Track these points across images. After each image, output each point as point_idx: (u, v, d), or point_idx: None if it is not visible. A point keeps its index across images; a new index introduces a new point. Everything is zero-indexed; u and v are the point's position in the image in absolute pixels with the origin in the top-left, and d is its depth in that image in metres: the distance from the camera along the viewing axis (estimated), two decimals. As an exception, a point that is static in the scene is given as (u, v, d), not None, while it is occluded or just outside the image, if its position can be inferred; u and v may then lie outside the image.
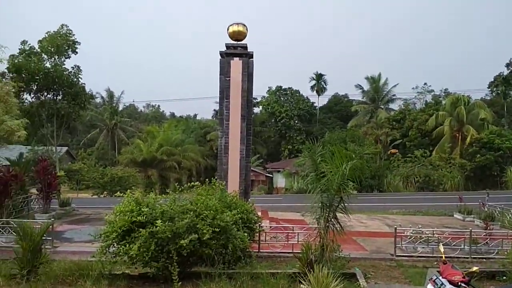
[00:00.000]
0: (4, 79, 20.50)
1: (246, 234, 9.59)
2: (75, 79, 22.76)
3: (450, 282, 4.83)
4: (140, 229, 7.87)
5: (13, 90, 19.25)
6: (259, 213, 12.42)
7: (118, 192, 9.10)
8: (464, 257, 10.57)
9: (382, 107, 58.29)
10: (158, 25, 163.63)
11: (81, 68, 23.12)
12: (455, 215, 18.65)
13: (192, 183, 10.12)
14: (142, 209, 8.13)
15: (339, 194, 8.45)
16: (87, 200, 29.89)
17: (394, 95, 59.34)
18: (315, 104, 66.04)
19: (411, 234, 11.62)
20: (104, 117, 60.41)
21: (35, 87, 22.13)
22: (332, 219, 8.56)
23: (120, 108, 66.38)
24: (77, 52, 22.94)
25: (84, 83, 23.46)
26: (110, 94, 62.40)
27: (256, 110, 61.59)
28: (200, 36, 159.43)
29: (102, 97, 63.55)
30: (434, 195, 32.41)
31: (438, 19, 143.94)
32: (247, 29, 15.38)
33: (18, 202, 16.23)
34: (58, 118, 23.08)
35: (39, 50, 22.06)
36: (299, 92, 63.92)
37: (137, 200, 8.51)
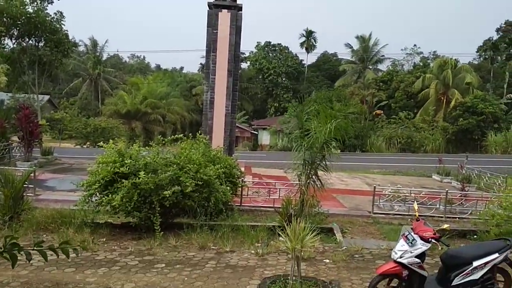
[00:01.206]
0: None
1: (228, 188, 9.75)
2: (58, 26, 22.00)
3: (421, 238, 5.03)
4: (123, 180, 7.91)
5: (-7, 34, 18.60)
6: (243, 169, 12.55)
7: (101, 143, 9.04)
8: (438, 216, 10.93)
9: (370, 67, 58.02)
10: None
11: (64, 14, 22.31)
12: (433, 176, 19.11)
13: (176, 136, 10.10)
14: (125, 161, 8.14)
15: (322, 152, 8.55)
16: (70, 150, 29.66)
17: (383, 55, 58.91)
18: (303, 62, 65.42)
19: (389, 193, 11.96)
20: (88, 66, 58.89)
21: (17, 32, 21.36)
22: (313, 176, 8.71)
23: (104, 58, 64.63)
24: (60, -3, 22.07)
25: (67, 30, 22.74)
26: (94, 43, 60.55)
27: (244, 65, 60.77)
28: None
29: (85, 46, 61.61)
30: (415, 156, 33.04)
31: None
32: (236, -20, 14.88)
33: (-1, 150, 16.09)
34: (40, 65, 22.48)
35: (21, -7, 21.13)
36: (288, 49, 62.98)
37: (120, 151, 8.49)
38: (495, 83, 52.74)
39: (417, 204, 6.67)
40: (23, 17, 20.57)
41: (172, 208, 8.49)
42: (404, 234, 5.22)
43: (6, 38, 21.51)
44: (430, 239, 5.00)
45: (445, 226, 5.31)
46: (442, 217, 10.96)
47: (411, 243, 5.01)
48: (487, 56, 57.28)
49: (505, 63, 54.11)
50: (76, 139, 39.18)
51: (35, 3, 21.36)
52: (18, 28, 21.08)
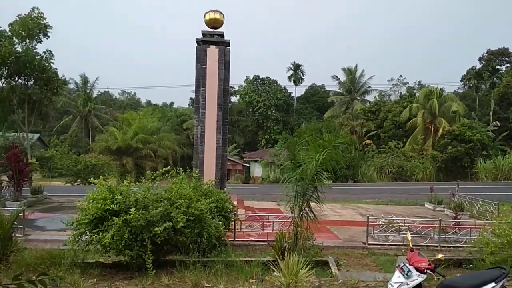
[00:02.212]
0: (-28, 63, 19.80)
1: (221, 222, 9.62)
2: (47, 64, 22.10)
3: (417, 269, 4.98)
4: (114, 217, 7.78)
5: (-18, 74, 18.64)
6: (235, 202, 12.46)
7: (92, 179, 8.95)
8: (433, 246, 10.86)
9: (358, 98, 58.97)
10: (134, 14, 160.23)
11: (53, 53, 22.49)
12: (426, 205, 19.12)
13: (165, 169, 10.02)
14: (116, 197, 8.04)
15: (313, 184, 8.55)
16: (60, 188, 29.33)
17: (369, 86, 60.12)
18: (292, 94, 66.39)
19: (383, 223, 11.90)
20: (78, 104, 59.07)
21: (6, 71, 21.42)
22: (306, 208, 8.66)
23: (95, 95, 65.03)
24: (48, 36, 22.28)
25: (57, 68, 22.83)
26: (84, 80, 60.92)
27: (234, 99, 61.46)
28: (178, 25, 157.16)
29: (76, 83, 61.91)
30: (407, 185, 33.12)
31: (414, 12, 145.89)
32: (224, 17, 15.18)
33: (-13, 190, 15.84)
34: (30, 103, 22.45)
35: (9, 33, 21.32)
36: (277, 82, 64.11)
37: (110, 188, 8.40)
38: (480, 111, 53.75)
39: (411, 233, 6.64)
40: (12, 57, 20.68)
41: (164, 245, 8.34)
42: (399, 265, 5.17)
43: (-5, 77, 21.56)
44: (425, 270, 4.96)
45: (440, 256, 5.28)
46: (437, 246, 10.89)
47: (407, 274, 4.96)
48: (471, 85, 58.68)
49: (489, 91, 55.35)
50: (66, 177, 38.82)
51: (24, 42, 21.54)
52: (7, 68, 21.16)
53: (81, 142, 57.61)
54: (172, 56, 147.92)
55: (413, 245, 5.71)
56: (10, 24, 21.41)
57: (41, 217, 14.65)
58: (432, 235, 11.42)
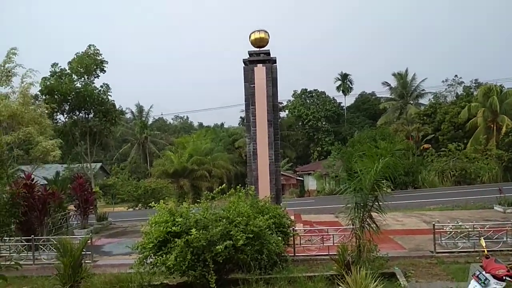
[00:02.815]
0: (37, 102, 21.25)
1: (280, 238, 9.56)
2: (105, 97, 23.35)
3: (495, 277, 4.65)
4: (176, 239, 7.95)
5: (46, 111, 19.95)
6: (292, 217, 12.36)
7: (152, 203, 9.24)
8: (507, 250, 10.21)
9: (412, 102, 57.08)
10: (182, 36, 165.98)
11: (110, 85, 23.74)
12: (495, 208, 18.07)
13: (221, 187, 10.11)
14: (176, 219, 8.21)
15: (373, 193, 8.31)
16: (123, 214, 30.51)
17: (423, 89, 57.97)
18: (342, 104, 65.50)
19: (451, 230, 11.31)
20: (135, 132, 61.79)
21: (67, 107, 22.84)
22: (367, 219, 8.42)
23: (150, 122, 67.74)
24: (105, 71, 23.57)
25: (114, 100, 24.07)
26: (140, 109, 63.83)
27: (283, 114, 61.58)
28: (224, 45, 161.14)
29: (132, 112, 65.10)
30: (472, 188, 31.43)
31: (466, 10, 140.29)
32: (269, 35, 15.43)
33: (57, 219, 16.74)
34: (91, 135, 23.71)
35: (69, 71, 22.78)
36: (325, 94, 63.59)
37: (170, 211, 8.61)
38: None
39: (483, 239, 6.24)
40: (73, 93, 22.04)
41: (226, 263, 8.38)
42: (475, 274, 4.86)
43: (58, 113, 23.02)
44: (504, 277, 4.62)
45: (519, 261, 4.92)
46: (511, 250, 10.20)
47: (484, 283, 4.65)
48: (534, 78, 55.09)
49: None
50: (128, 202, 40.34)
51: (82, 78, 22.90)
52: (68, 103, 22.55)
53: (140, 168, 59.89)
54: (221, 77, 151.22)
55: (487, 251, 5.35)
56: (69, 62, 22.88)
57: (108, 243, 15.25)
58: (505, 239, 10.73)
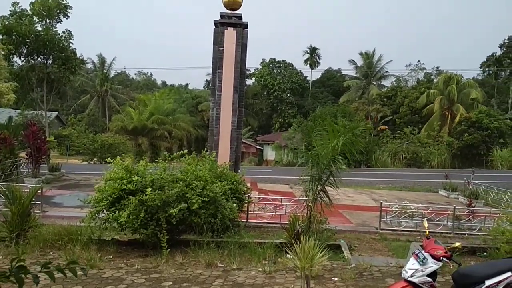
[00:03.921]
0: (-8, 41, 20.07)
1: (235, 204, 9.72)
2: (66, 44, 22.35)
3: (433, 256, 4.96)
4: (130, 197, 7.91)
5: (3, 52, 18.91)
6: (249, 184, 12.52)
7: (109, 159, 9.08)
8: (446, 233, 10.83)
9: (375, 83, 58.20)
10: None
11: (72, 32, 22.69)
12: (440, 192, 18.97)
13: (182, 151, 10.09)
14: (133, 177, 8.15)
15: (329, 168, 8.54)
16: (77, 166, 29.78)
17: (386, 71, 59.18)
18: (308, 78, 65.79)
19: (396, 209, 11.87)
20: (95, 83, 59.64)
21: (26, 50, 21.74)
22: (321, 192, 8.68)
23: (112, 75, 65.33)
24: (68, 17, 22.48)
25: (75, 48, 23.12)
26: (102, 60, 61.31)
27: (249, 82, 61.21)
28: (195, 6, 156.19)
29: (93, 63, 62.54)
30: (421, 171, 32.86)
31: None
32: (242, -2, 15.07)
33: (7, 166, 16.17)
34: (48, 82, 22.79)
35: (30, 12, 21.51)
36: (293, 65, 63.56)
37: (127, 168, 8.52)
38: (499, 98, 52.74)
39: (426, 220, 6.60)
40: (32, 35, 20.93)
41: (179, 225, 8.46)
42: (414, 252, 5.16)
43: (15, 56, 21.87)
44: (441, 258, 4.94)
45: (457, 244, 5.26)
46: (450, 233, 10.86)
47: (422, 261, 4.94)
48: (491, 72, 57.39)
49: (509, 78, 54.23)
50: (83, 155, 39.36)
51: (44, 21, 21.72)
52: (27, 46, 21.44)
53: (98, 121, 58.27)
54: (188, 37, 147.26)
55: (429, 232, 5.68)
56: (31, 3, 21.61)
57: (58, 194, 14.94)
58: (445, 222, 11.37)
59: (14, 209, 8.54)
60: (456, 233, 10.88)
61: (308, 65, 64.50)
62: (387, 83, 60.67)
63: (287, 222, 9.34)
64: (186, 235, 9.00)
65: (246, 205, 11.06)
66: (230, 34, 14.70)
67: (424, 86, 50.29)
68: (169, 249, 7.91)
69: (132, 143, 43.67)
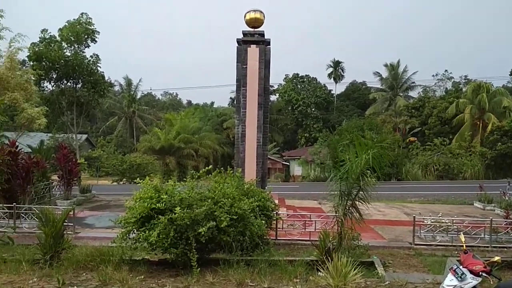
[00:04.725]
0: (24, 67, 20.83)
1: (263, 221, 9.63)
2: (94, 68, 22.99)
3: (471, 272, 4.76)
4: (159, 216, 7.95)
5: (33, 78, 19.59)
6: (276, 201, 12.42)
7: (138, 179, 9.19)
8: (484, 247, 10.44)
9: (401, 94, 57.43)
10: (174, 17, 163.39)
11: (99, 56, 23.36)
12: (475, 204, 18.40)
13: (207, 168, 10.07)
14: (161, 196, 8.20)
15: (358, 183, 8.39)
16: (107, 187, 30.37)
17: (413, 82, 58.40)
18: (332, 92, 65.51)
19: (430, 223, 11.52)
20: (123, 105, 61.05)
21: (55, 75, 22.46)
22: (351, 207, 8.52)
23: (138, 96, 66.79)
24: (96, 41, 23.16)
25: (103, 71, 23.73)
26: (128, 82, 62.78)
27: (273, 98, 61.43)
28: (217, 25, 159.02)
29: (120, 85, 64.10)
30: (454, 183, 31.96)
31: (459, 5, 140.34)
32: (264, 16, 15.18)
33: (40, 189, 16.56)
34: (78, 106, 23.41)
35: (59, 38, 22.30)
36: (316, 80, 63.47)
37: (156, 187, 8.59)
38: (532, 105, 50.95)
39: (462, 234, 6.37)
40: (61, 61, 21.64)
41: (208, 243, 8.43)
42: (452, 268, 4.96)
43: (45, 81, 22.62)
44: (480, 273, 4.73)
45: (496, 258, 5.05)
46: (488, 247, 10.47)
47: (461, 277, 4.75)
48: (522, 79, 55.75)
49: (542, 85, 52.43)
50: (112, 176, 40.16)
51: (72, 47, 22.46)
52: (56, 71, 22.16)
53: (126, 142, 59.44)
54: (213, 56, 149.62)
55: (466, 246, 5.47)
56: (60, 29, 22.40)
57: (90, 215, 15.20)
58: (482, 235, 10.97)
59: (48, 231, 8.68)
60: (494, 247, 10.48)
61: (332, 78, 64.25)
62: (414, 94, 59.83)
63: (317, 239, 9.16)
64: (215, 254, 8.95)
65: (274, 222, 10.96)
66: (253, 52, 14.82)
67: (452, 95, 49.27)
68: (199, 268, 7.86)
69: (160, 162, 44.29)
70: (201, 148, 47.63)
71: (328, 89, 64.46)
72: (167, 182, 9.16)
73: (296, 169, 48.94)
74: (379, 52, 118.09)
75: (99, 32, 23.11)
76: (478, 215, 15.05)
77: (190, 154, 46.27)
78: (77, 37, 22.25)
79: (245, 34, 15.10)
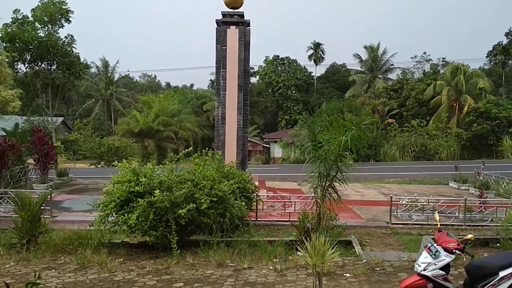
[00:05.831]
0: (-4, 49, 20.18)
1: (243, 203, 9.68)
2: (69, 49, 22.45)
3: (445, 249, 4.89)
4: (138, 199, 7.90)
5: (7, 60, 18.97)
6: (257, 183, 12.47)
7: (116, 162, 9.08)
8: (458, 225, 10.72)
9: (380, 76, 57.85)
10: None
11: (74, 37, 22.77)
12: (450, 184, 18.84)
13: (187, 150, 10.03)
14: (140, 179, 8.14)
15: (337, 164, 8.47)
16: (85, 170, 29.93)
17: (392, 64, 58.79)
18: (312, 74, 65.56)
19: (406, 203, 11.77)
20: (100, 87, 59.84)
21: (29, 56, 21.88)
22: (329, 188, 8.62)
23: (116, 78, 65.51)
24: (70, 21, 22.55)
25: (79, 53, 23.21)
26: (105, 64, 61.40)
27: (253, 80, 61.12)
28: (197, 6, 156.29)
29: (97, 67, 62.64)
30: (430, 164, 32.64)
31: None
32: (244, -4, 14.97)
33: (15, 173, 16.23)
34: (53, 88, 22.91)
35: (32, 19, 21.62)
36: (297, 62, 63.30)
37: (134, 170, 8.51)
38: (507, 87, 52.17)
39: (437, 213, 6.52)
40: (35, 42, 21.05)
41: (188, 225, 8.45)
42: (426, 245, 5.08)
43: (19, 63, 21.99)
44: (454, 250, 4.87)
45: (469, 236, 5.19)
46: (461, 225, 10.76)
47: (435, 255, 4.87)
48: (497, 61, 56.79)
49: (517, 67, 53.56)
50: (90, 159, 39.53)
51: (46, 27, 21.81)
52: (30, 53, 21.58)
53: (104, 125, 58.49)
54: (191, 38, 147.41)
55: (440, 225, 5.60)
56: (33, 10, 21.70)
57: (67, 199, 14.99)
58: (457, 214, 11.26)
59: (24, 215, 8.56)
60: (468, 225, 10.77)
61: (313, 60, 64.16)
62: (393, 76, 60.33)
63: (296, 220, 9.29)
64: (196, 236, 8.99)
65: (255, 203, 11.03)
66: (232, 33, 14.65)
67: (430, 77, 49.91)
68: (179, 250, 7.89)
69: (139, 145, 43.77)
70: (180, 131, 47.20)
71: (309, 71, 64.53)
72: (146, 165, 9.09)
73: (277, 151, 49.14)
74: (359, 34, 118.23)
75: (73, 12, 22.53)
76: (453, 195, 15.44)
77: (170, 137, 45.81)
78: (51, 17, 21.64)
79: (224, 15, 14.89)
